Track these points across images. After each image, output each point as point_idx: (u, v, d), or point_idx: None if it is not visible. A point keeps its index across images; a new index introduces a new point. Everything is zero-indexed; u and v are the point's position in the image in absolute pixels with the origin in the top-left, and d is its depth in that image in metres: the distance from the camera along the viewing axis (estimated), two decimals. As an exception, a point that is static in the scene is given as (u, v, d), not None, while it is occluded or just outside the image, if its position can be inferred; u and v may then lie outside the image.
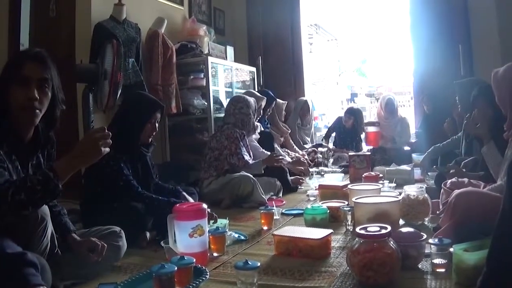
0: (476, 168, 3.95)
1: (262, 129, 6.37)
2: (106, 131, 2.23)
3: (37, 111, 2.30)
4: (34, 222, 2.24)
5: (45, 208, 2.30)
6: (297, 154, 6.86)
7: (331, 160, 7.50)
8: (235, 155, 4.96)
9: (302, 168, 6.09)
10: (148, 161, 3.78)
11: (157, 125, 3.71)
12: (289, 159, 6.13)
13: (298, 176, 5.83)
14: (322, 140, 8.52)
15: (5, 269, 1.87)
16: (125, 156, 3.49)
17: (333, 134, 8.38)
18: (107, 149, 2.22)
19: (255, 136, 5.82)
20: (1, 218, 2.02)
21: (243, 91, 7.82)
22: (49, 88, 2.34)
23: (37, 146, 2.45)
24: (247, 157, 5.08)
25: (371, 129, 7.27)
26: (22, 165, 2.35)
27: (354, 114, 7.96)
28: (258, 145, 5.71)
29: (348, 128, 7.96)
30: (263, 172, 5.17)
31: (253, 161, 5.30)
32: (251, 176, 4.83)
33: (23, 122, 2.33)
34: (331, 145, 8.20)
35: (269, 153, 5.63)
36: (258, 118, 6.43)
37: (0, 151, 2.21)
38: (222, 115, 6.72)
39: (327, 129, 8.67)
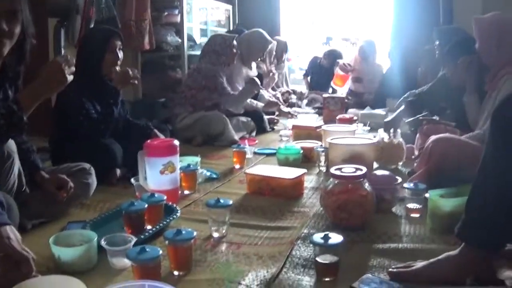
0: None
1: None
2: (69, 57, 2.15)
3: (6, 41, 2.20)
4: (1, 159, 2.20)
5: (12, 145, 2.26)
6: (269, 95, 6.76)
7: (305, 101, 7.47)
8: (215, 91, 4.91)
9: (276, 108, 6.04)
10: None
11: (120, 53, 3.52)
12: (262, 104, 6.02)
13: (273, 116, 5.78)
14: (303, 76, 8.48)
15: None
16: (90, 92, 3.34)
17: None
18: (71, 77, 2.14)
19: (252, 73, 5.80)
20: None
21: (218, 29, 7.73)
22: (19, 21, 2.24)
23: (5, 79, 2.36)
24: (228, 90, 5.02)
25: (340, 71, 7.22)
26: None
27: (334, 55, 7.89)
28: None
29: (325, 68, 7.90)
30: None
31: (256, 103, 5.44)
32: (223, 115, 4.77)
33: None
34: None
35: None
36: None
37: None
38: (196, 52, 6.66)
39: (303, 71, 8.59)
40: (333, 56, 7.85)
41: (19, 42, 2.27)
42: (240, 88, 5.33)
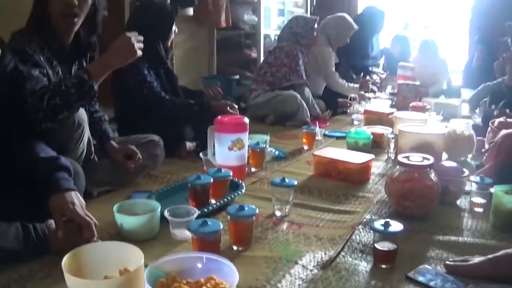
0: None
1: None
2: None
3: (76, 18, 2.27)
4: (71, 127, 2.27)
5: (83, 114, 2.33)
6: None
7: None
8: (295, 72, 4.90)
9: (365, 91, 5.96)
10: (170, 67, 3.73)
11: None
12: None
13: (346, 100, 5.72)
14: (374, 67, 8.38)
15: (38, 173, 1.88)
16: (148, 64, 3.38)
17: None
18: (140, 52, 2.21)
19: None
20: (39, 124, 2.02)
21: (295, 9, 7.69)
22: None
23: (78, 51, 2.43)
24: (305, 77, 5.01)
25: (400, 72, 7.09)
26: (64, 71, 2.35)
27: (400, 40, 7.80)
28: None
29: (396, 57, 7.80)
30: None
31: (352, 85, 5.59)
32: (298, 96, 4.77)
33: (62, 29, 2.30)
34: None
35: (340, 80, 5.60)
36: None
37: (41, 57, 2.19)
38: (272, 31, 6.65)
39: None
40: (400, 41, 7.75)
41: (91, 14, 2.34)
42: (333, 71, 5.46)
